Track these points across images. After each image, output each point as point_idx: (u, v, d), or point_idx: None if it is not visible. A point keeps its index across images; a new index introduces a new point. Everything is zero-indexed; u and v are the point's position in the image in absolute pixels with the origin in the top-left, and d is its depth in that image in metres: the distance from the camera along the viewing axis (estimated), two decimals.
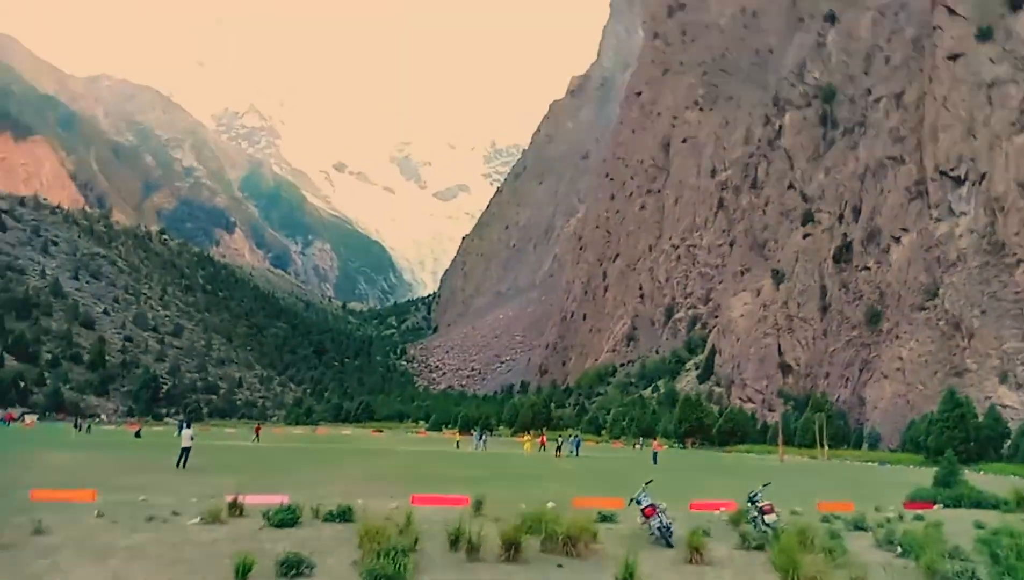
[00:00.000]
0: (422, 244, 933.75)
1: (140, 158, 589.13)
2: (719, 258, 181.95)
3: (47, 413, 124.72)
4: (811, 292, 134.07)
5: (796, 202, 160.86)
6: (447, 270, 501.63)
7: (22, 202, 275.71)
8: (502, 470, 36.73)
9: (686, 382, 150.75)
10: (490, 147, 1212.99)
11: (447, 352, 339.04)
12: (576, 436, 67.06)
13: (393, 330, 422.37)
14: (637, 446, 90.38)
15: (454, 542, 12.88)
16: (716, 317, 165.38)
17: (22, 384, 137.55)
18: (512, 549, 12.19)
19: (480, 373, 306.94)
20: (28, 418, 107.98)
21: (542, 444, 62.09)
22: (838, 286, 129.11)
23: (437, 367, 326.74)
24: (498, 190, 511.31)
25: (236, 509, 16.20)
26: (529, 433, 67.99)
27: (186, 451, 30.25)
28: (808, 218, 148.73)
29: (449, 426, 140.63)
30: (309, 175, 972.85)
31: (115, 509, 16.49)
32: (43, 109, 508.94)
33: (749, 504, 15.82)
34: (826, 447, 79.65)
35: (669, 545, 14.15)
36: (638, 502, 15.56)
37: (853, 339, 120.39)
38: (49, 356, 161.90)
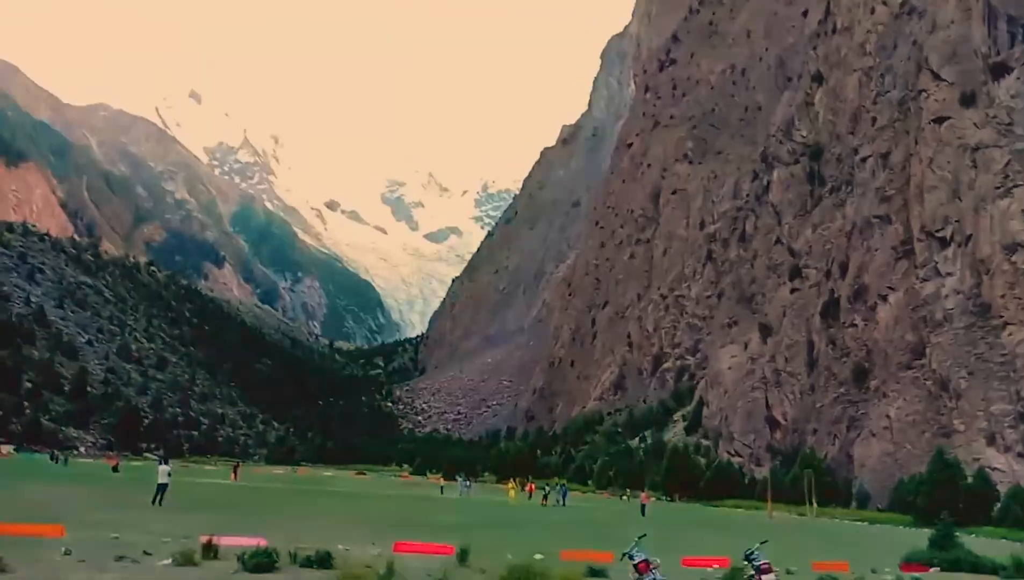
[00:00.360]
0: (411, 285, 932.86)
1: (132, 189, 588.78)
2: (707, 310, 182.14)
3: (24, 444, 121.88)
4: (798, 347, 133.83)
5: (784, 257, 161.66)
6: (436, 312, 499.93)
7: (10, 228, 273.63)
8: (487, 518, 35.80)
9: (673, 433, 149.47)
10: (482, 191, 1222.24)
11: (433, 395, 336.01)
12: (563, 485, 65.91)
13: (379, 370, 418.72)
14: (624, 497, 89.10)
15: None
16: (704, 369, 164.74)
17: (0, 413, 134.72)
18: None
19: (466, 417, 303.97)
20: (3, 448, 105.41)
21: (530, 492, 60.89)
22: (825, 342, 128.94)
23: (423, 410, 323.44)
24: (489, 234, 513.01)
25: (210, 551, 15.47)
26: (515, 480, 66.85)
27: (162, 488, 29.28)
28: (796, 273, 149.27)
29: (433, 471, 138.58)
30: (301, 212, 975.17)
31: (84, 546, 15.72)
32: (37, 136, 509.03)
33: (745, 562, 15.18)
34: (815, 504, 78.60)
35: None
36: (630, 557, 14.92)
37: (840, 396, 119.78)
38: (29, 385, 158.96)
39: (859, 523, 70.68)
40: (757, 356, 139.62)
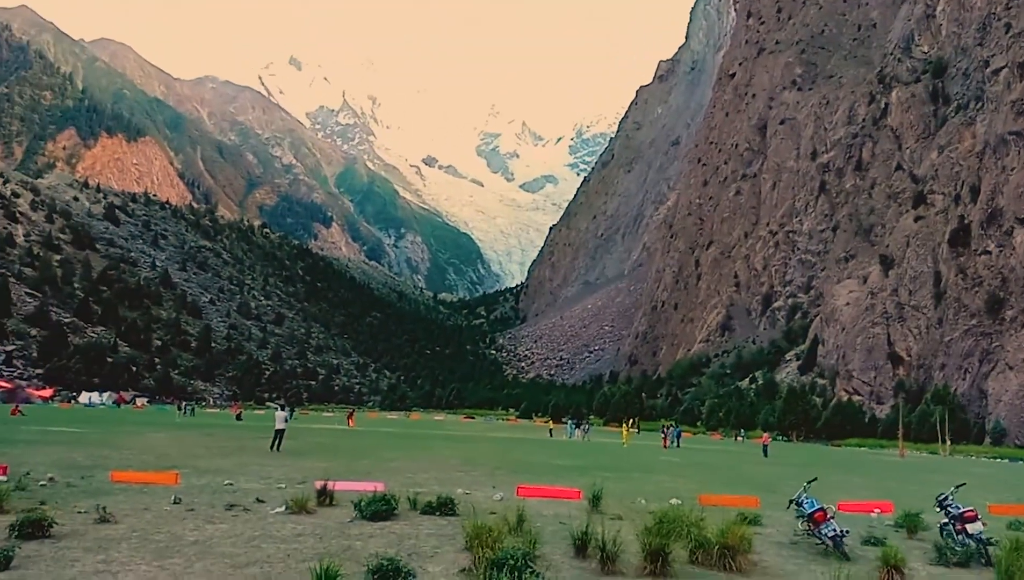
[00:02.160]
0: (510, 235, 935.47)
1: (242, 156, 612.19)
2: (821, 244, 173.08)
3: (156, 396, 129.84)
4: (924, 278, 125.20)
5: (905, 184, 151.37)
6: (534, 261, 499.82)
7: (134, 198, 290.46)
8: (604, 460, 34.34)
9: (786, 373, 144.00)
10: (576, 137, 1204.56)
11: (535, 342, 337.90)
12: (675, 427, 63.86)
13: (482, 320, 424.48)
14: (739, 438, 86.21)
15: (580, 547, 10.61)
16: (818, 306, 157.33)
17: (134, 369, 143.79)
18: (658, 561, 9.77)
19: (568, 362, 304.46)
20: (139, 401, 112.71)
21: (664, 432, 58.74)
22: (955, 272, 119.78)
23: (526, 356, 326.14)
24: (585, 180, 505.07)
25: (325, 497, 14.50)
26: (627, 422, 65.21)
27: (280, 434, 29.25)
28: (920, 200, 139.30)
29: (540, 414, 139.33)
30: (401, 170, 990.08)
31: (196, 494, 15.09)
32: (152, 111, 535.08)
33: (939, 509, 12.87)
34: (948, 442, 73.46)
35: (845, 557, 11.48)
36: (798, 503, 12.95)
37: (972, 328, 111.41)
38: (159, 343, 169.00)
39: (998, 460, 65.47)
40: (878, 290, 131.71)
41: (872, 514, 17.73)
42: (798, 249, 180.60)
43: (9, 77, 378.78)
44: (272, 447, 28.73)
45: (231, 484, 17.03)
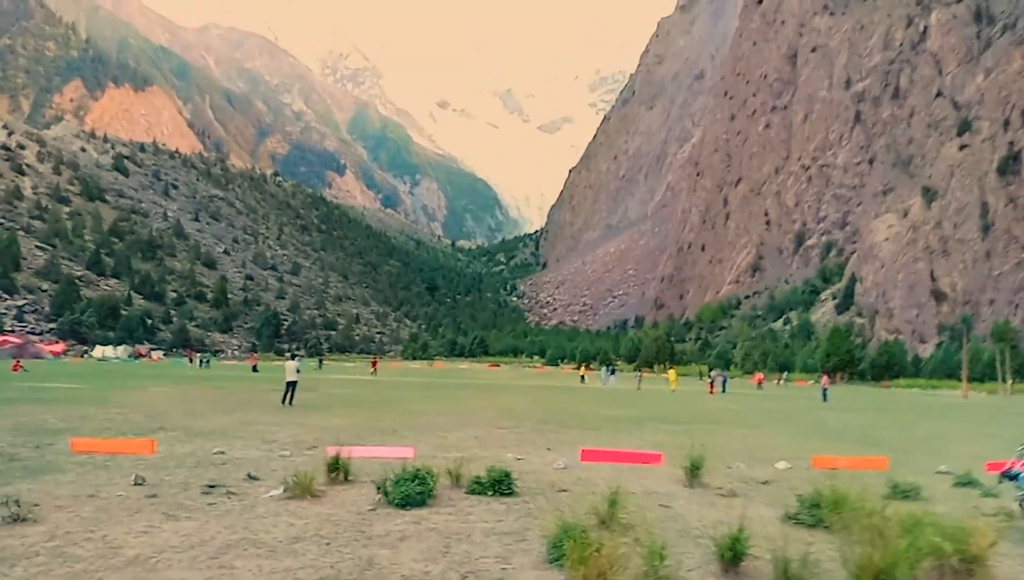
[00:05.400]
0: (527, 179, 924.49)
1: (252, 104, 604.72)
2: (857, 178, 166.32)
3: (173, 349, 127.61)
4: (970, 210, 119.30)
5: (947, 111, 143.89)
6: (554, 205, 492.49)
7: (142, 148, 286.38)
8: (657, 410, 30.62)
9: (822, 313, 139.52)
10: (594, 75, 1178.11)
11: (557, 288, 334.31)
12: (721, 372, 60.03)
13: (502, 266, 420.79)
14: (779, 382, 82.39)
15: (732, 559, 6.79)
16: (854, 242, 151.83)
17: (150, 322, 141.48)
18: None
19: (592, 308, 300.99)
20: (154, 354, 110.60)
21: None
22: (1004, 202, 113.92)
23: (548, 303, 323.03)
24: (605, 118, 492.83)
25: (338, 472, 10.77)
26: (674, 367, 61.63)
27: (292, 386, 25.69)
28: (964, 128, 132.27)
29: (565, 361, 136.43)
30: (413, 114, 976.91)
31: (171, 468, 11.42)
32: (159, 60, 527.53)
33: None
34: (1010, 381, 69.23)
35: None
36: (1011, 478, 9.05)
37: (1023, 261, 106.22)
38: (175, 295, 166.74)
39: None
40: (919, 224, 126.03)
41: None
42: (832, 184, 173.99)
43: (11, 28, 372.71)
44: (284, 401, 25.30)
45: (222, 453, 13.38)
